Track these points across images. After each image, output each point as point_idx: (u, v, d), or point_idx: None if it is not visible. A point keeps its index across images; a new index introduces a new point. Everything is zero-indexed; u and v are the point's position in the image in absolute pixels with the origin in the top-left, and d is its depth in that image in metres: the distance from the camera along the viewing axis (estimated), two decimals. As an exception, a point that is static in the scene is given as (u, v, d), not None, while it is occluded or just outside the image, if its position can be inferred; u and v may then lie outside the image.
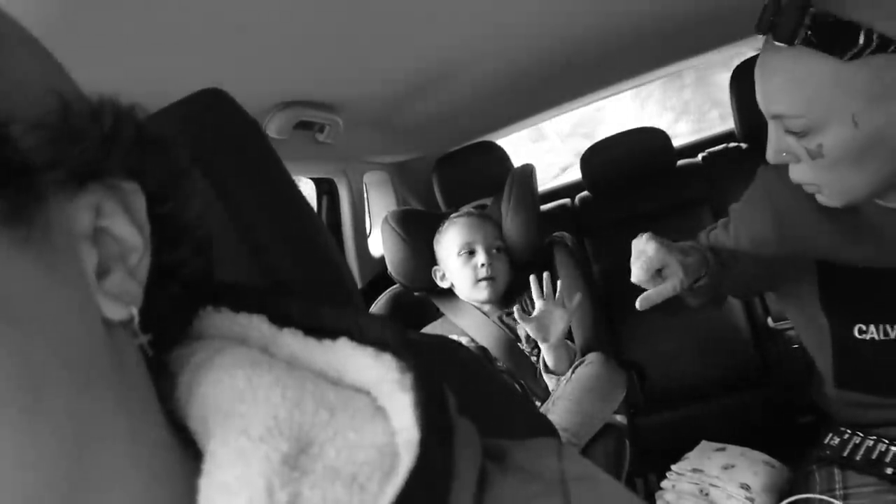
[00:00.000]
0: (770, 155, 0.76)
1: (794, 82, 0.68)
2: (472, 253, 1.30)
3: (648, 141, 1.59)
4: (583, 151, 1.68)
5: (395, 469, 0.25)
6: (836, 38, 0.63)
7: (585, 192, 1.72)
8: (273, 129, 0.97)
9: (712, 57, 1.66)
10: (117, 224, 0.26)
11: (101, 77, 0.67)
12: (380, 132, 1.38)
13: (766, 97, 0.72)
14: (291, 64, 0.85)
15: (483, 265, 1.28)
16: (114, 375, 0.25)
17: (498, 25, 0.96)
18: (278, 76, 0.87)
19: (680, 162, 1.61)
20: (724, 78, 1.47)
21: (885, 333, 0.83)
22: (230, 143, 0.42)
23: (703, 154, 1.61)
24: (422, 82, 1.14)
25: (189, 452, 0.28)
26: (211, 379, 0.28)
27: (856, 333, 0.86)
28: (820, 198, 0.78)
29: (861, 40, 0.62)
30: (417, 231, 1.40)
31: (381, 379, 0.28)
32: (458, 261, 1.31)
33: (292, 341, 0.31)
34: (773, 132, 0.75)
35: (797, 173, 0.76)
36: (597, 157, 1.62)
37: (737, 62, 1.40)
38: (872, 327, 0.84)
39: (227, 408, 0.27)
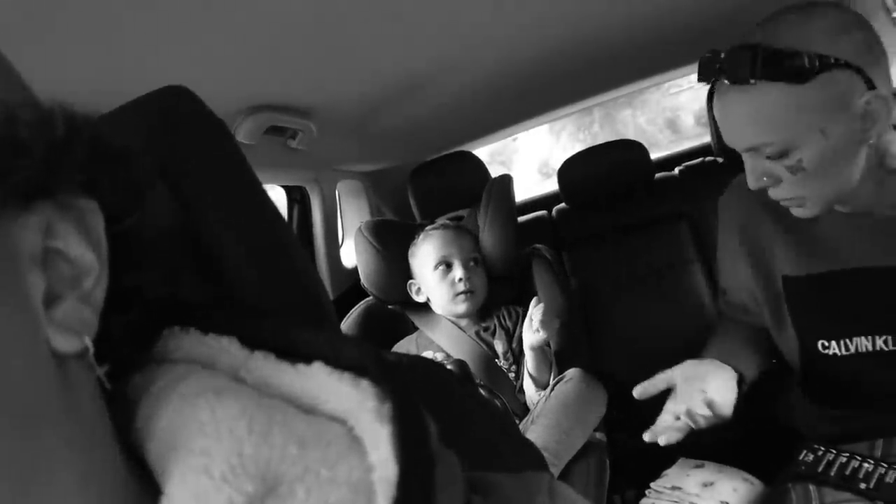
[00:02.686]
0: (752, 183, 0.81)
1: (760, 115, 0.74)
2: (449, 266, 1.27)
3: (626, 154, 1.58)
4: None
5: None
6: (789, 68, 0.70)
7: (562, 204, 1.71)
8: (242, 133, 0.93)
9: (619, 97, 1.74)
10: (70, 245, 0.23)
11: (57, 75, 0.63)
12: (354, 140, 1.35)
13: (735, 135, 0.78)
14: (263, 65, 0.81)
15: (461, 279, 1.25)
16: (64, 415, 0.22)
17: (475, 36, 0.94)
18: (249, 78, 0.83)
19: (657, 175, 1.61)
20: (627, 115, 1.52)
21: (846, 348, 0.87)
22: (194, 145, 0.38)
23: (680, 168, 1.62)
24: (398, 90, 1.11)
25: (150, 490, 0.25)
26: (171, 410, 0.26)
27: (820, 348, 0.90)
28: (797, 211, 0.83)
29: (808, 64, 0.70)
30: (392, 242, 1.37)
31: (358, 407, 0.26)
32: (434, 275, 1.28)
33: (264, 365, 0.28)
34: (751, 162, 0.80)
35: (779, 192, 0.81)
36: (574, 170, 1.61)
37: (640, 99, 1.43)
38: (834, 343, 0.88)
39: (188, 443, 0.24)
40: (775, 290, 0.93)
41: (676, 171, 1.63)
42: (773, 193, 0.82)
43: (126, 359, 0.29)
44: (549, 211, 1.75)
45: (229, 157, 0.40)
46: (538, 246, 1.41)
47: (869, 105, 0.71)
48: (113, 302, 0.26)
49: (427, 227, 1.34)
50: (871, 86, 0.71)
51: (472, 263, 1.28)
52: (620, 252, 1.54)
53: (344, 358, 0.27)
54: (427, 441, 0.25)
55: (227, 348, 0.29)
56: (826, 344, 0.89)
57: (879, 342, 0.85)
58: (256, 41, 0.73)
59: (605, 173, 1.58)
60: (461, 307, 1.26)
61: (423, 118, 1.36)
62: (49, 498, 0.21)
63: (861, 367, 0.87)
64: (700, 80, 0.80)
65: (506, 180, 1.40)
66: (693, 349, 1.22)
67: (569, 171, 1.61)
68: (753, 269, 0.96)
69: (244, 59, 0.77)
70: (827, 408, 0.93)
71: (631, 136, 1.63)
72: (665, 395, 1.38)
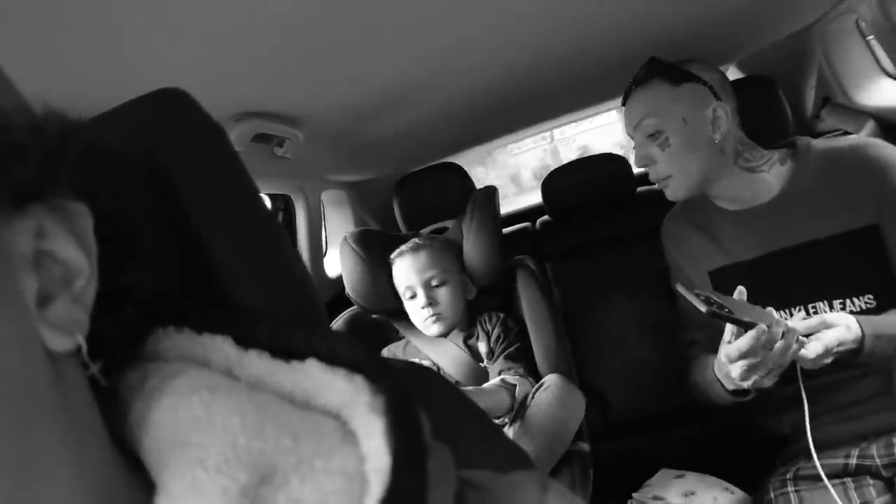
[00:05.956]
0: (637, 161, 1.15)
1: (648, 100, 1.10)
2: (415, 294, 1.29)
3: (608, 167, 1.60)
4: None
5: (364, 498, 0.23)
6: (669, 72, 1.08)
7: (546, 217, 1.73)
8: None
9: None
10: (61, 247, 0.24)
11: (48, 79, 0.63)
12: (341, 149, 1.35)
13: (630, 118, 1.13)
14: (253, 73, 0.81)
15: (424, 307, 1.27)
16: (58, 412, 0.23)
17: (463, 47, 0.96)
18: (239, 84, 0.83)
19: (639, 189, 1.63)
20: (480, 171, 1.56)
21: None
22: (191, 150, 0.38)
23: None
24: (385, 101, 1.12)
25: (142, 484, 0.26)
26: (165, 405, 0.26)
27: None
28: (668, 193, 1.14)
29: (680, 74, 1.08)
30: (378, 252, 1.37)
31: (352, 401, 0.26)
32: (406, 303, 1.31)
33: (258, 363, 0.29)
34: (637, 145, 1.13)
35: (655, 172, 1.13)
36: (557, 182, 1.63)
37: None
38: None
39: (182, 437, 0.25)
40: (706, 286, 1.14)
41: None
42: (652, 173, 1.13)
43: (116, 357, 0.29)
44: (533, 223, 1.77)
45: (225, 160, 0.40)
46: (522, 257, 1.42)
47: (716, 112, 1.06)
48: (102, 301, 0.26)
49: (392, 255, 1.35)
50: (719, 100, 1.08)
51: (434, 283, 1.28)
52: (603, 264, 1.56)
53: (338, 355, 0.28)
54: (420, 434, 0.26)
55: (221, 347, 0.29)
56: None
57: (797, 315, 1.01)
58: (246, 49, 0.73)
59: (588, 186, 1.60)
60: (432, 329, 1.28)
61: (409, 129, 1.37)
62: (45, 493, 0.22)
63: None
64: (624, 99, 1.16)
65: (490, 192, 1.41)
66: (674, 361, 1.24)
67: (552, 183, 1.63)
68: (691, 272, 1.18)
69: (233, 65, 0.77)
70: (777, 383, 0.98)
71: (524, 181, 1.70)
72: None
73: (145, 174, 0.29)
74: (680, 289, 0.89)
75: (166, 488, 0.24)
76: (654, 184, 1.67)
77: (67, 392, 0.24)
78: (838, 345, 0.87)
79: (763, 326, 0.84)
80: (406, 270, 1.30)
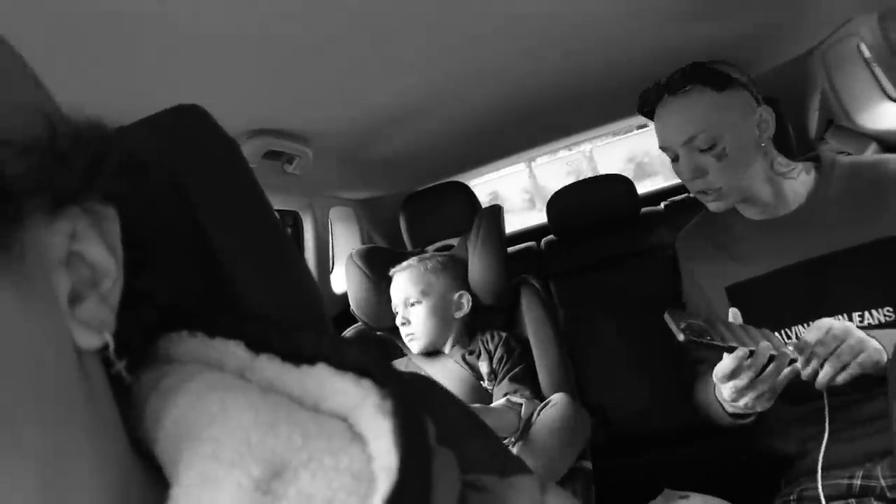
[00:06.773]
0: (687, 174, 1.05)
1: (695, 112, 1.01)
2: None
3: (613, 188, 1.62)
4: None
5: (371, 495, 0.24)
6: (710, 76, 1.00)
7: (551, 236, 1.74)
8: (241, 156, 0.95)
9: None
10: (91, 248, 0.25)
11: (71, 94, 0.65)
12: (349, 167, 1.37)
13: (675, 132, 1.04)
14: (265, 91, 0.83)
15: (402, 325, 1.32)
16: (85, 406, 0.24)
17: (471, 67, 0.97)
18: (251, 102, 0.86)
19: (643, 209, 1.64)
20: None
21: (788, 336, 1.02)
22: (206, 163, 0.40)
23: (666, 202, 1.66)
24: (393, 120, 1.14)
25: (157, 479, 0.27)
26: (182, 403, 0.27)
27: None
28: (713, 205, 1.06)
29: (722, 78, 1.00)
30: (383, 270, 1.38)
31: (361, 404, 0.27)
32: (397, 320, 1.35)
33: (269, 366, 0.30)
34: (686, 158, 1.04)
35: (706, 183, 1.04)
36: (562, 202, 1.64)
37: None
38: (777, 334, 0.99)
39: (198, 432, 0.25)
40: (723, 307, 1.08)
41: (662, 205, 1.67)
42: (701, 185, 1.05)
43: (134, 356, 0.30)
44: (538, 242, 1.78)
45: (240, 175, 0.41)
46: (526, 275, 1.43)
47: (762, 116, 1.02)
48: (126, 303, 0.27)
49: (390, 273, 1.38)
50: (760, 104, 1.04)
51: (410, 302, 1.32)
52: (606, 283, 1.57)
53: (347, 360, 0.29)
54: (425, 436, 0.26)
55: (233, 351, 0.30)
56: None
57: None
58: (258, 68, 0.75)
59: (592, 206, 1.61)
60: (412, 346, 1.32)
61: (416, 148, 1.39)
62: (71, 485, 0.23)
63: None
64: (643, 107, 1.09)
65: (495, 211, 1.42)
66: (678, 378, 1.24)
67: (558, 203, 1.64)
68: (707, 289, 1.14)
69: (247, 84, 0.79)
70: (786, 402, 0.97)
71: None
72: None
73: (167, 184, 0.31)
74: (666, 317, 0.88)
75: (180, 481, 0.25)
76: (657, 204, 1.70)
77: (92, 388, 0.25)
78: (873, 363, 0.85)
79: (745, 349, 0.84)
80: (394, 288, 1.34)
